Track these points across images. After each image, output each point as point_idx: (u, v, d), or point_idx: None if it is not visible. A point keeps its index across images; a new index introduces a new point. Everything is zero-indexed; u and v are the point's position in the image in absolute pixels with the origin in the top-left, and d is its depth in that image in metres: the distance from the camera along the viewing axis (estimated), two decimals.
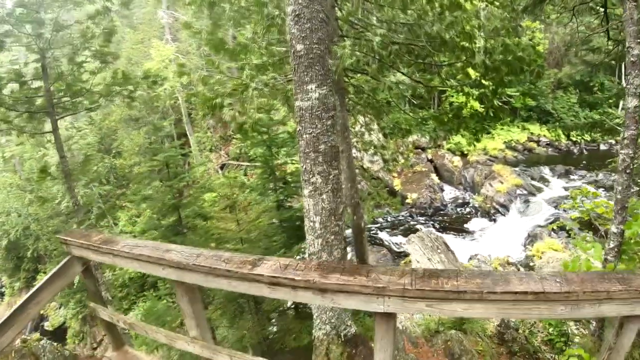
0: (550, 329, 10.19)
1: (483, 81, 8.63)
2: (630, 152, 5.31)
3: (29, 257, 19.93)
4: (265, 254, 7.52)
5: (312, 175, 5.33)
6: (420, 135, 22.80)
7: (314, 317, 6.32)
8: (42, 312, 24.22)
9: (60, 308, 20.51)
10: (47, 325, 21.79)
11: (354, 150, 11.00)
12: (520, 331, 11.30)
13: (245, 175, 24.12)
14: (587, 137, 26.86)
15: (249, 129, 7.89)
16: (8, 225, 20.37)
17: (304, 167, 5.37)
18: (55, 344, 8.77)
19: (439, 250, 16.92)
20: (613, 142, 26.79)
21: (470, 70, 8.04)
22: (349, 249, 12.46)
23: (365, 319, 8.12)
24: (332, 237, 5.58)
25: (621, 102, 28.55)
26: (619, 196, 5.58)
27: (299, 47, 5.28)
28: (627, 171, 5.40)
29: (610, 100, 28.31)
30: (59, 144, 12.37)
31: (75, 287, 18.97)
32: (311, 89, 5.24)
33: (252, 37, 9.57)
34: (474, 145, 23.27)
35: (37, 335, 8.96)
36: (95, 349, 19.60)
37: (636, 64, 5.00)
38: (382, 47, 8.06)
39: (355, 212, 9.43)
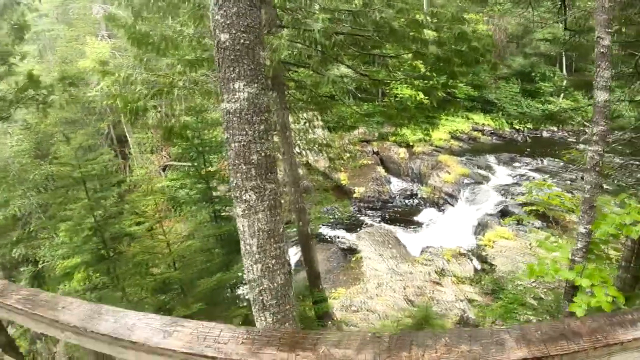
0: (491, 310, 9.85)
1: (432, 73, 7.99)
2: (600, 149, 4.75)
3: None
4: (201, 276, 6.59)
5: (244, 192, 4.41)
6: (365, 129, 22.22)
7: None
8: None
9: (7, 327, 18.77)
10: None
11: (296, 150, 10.15)
12: (480, 325, 10.95)
13: (189, 175, 22.71)
14: (530, 125, 27.25)
15: (177, 134, 6.88)
16: None
17: (235, 182, 4.44)
18: None
19: (390, 245, 16.41)
20: (554, 129, 27.32)
21: (419, 63, 7.38)
22: (296, 256, 11.65)
23: None
24: (273, 261, 4.70)
25: (562, 94, 29.25)
26: (587, 195, 5.03)
27: (224, 37, 4.28)
28: (596, 169, 4.84)
29: (551, 90, 28.90)
30: None
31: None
32: (239, 87, 4.28)
33: (181, 30, 8.50)
34: (429, 137, 23.01)
35: None
36: None
37: (606, 55, 4.40)
38: (324, 38, 7.25)
39: (301, 218, 8.56)
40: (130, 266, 6.28)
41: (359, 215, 19.90)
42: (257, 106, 4.45)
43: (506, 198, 19.27)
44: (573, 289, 6.33)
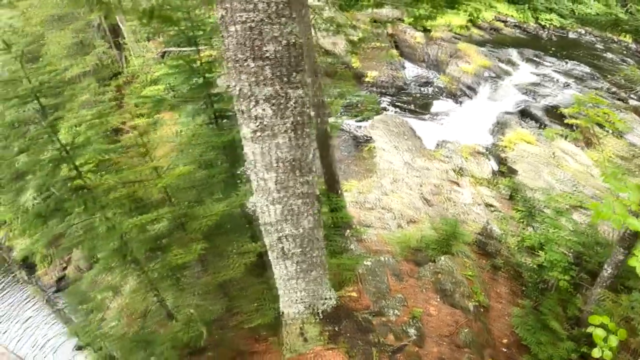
0: (529, 237, 8.77)
1: None
2: None
3: None
4: (200, 199, 5.15)
5: (253, 103, 2.75)
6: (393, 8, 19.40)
7: (280, 292, 4.20)
8: (7, 243, 22.36)
9: (22, 237, 18.50)
10: (15, 257, 20.06)
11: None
12: (502, 241, 9.87)
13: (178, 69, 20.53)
14: (556, 23, 24.17)
15: (158, 16, 5.00)
16: None
17: (238, 87, 2.76)
18: None
19: (405, 137, 14.86)
20: (582, 31, 24.32)
21: None
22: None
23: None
24: (299, 201, 3.18)
25: None
26: None
27: None
28: None
29: None
30: None
31: (29, 213, 16.51)
32: None
33: None
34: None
35: None
36: (65, 268, 18.32)
37: None
38: None
39: (319, 114, 6.82)
40: (113, 199, 4.80)
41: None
42: None
43: (528, 97, 17.39)
44: (633, 238, 4.97)
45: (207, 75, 5.31)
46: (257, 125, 2.79)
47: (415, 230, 9.64)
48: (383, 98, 18.20)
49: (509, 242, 9.69)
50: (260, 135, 2.82)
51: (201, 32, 5.28)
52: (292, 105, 2.80)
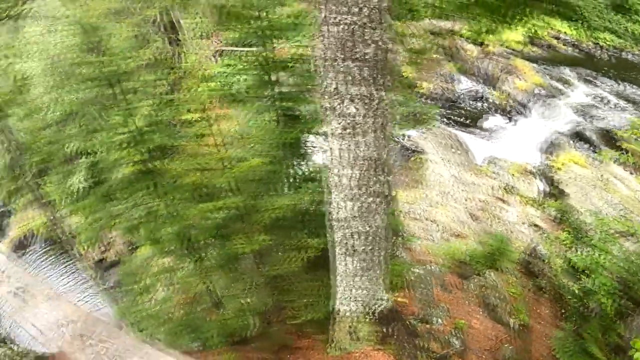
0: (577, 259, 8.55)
1: None
2: None
3: (30, 172, 18.05)
4: (262, 193, 5.29)
5: (345, 102, 2.86)
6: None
7: (338, 289, 4.28)
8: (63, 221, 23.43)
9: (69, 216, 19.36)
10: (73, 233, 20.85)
11: None
12: (547, 262, 9.68)
13: (245, 62, 21.00)
14: (613, 42, 23.31)
15: (235, 15, 5.18)
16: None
17: (330, 85, 2.89)
18: (8, 350, 6.79)
19: (454, 150, 14.74)
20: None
21: None
22: None
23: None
24: (376, 199, 3.28)
25: None
26: None
27: None
28: None
29: None
30: None
31: (79, 194, 17.31)
32: None
33: None
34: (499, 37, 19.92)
35: None
36: (104, 251, 18.87)
37: None
38: None
39: None
40: (177, 185, 5.00)
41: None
42: None
43: (581, 118, 16.91)
44: None
45: (274, 73, 5.45)
46: (344, 123, 2.91)
47: (460, 243, 9.58)
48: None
49: (554, 264, 9.51)
50: (345, 133, 2.94)
51: (276, 32, 5.41)
52: (377, 105, 2.91)
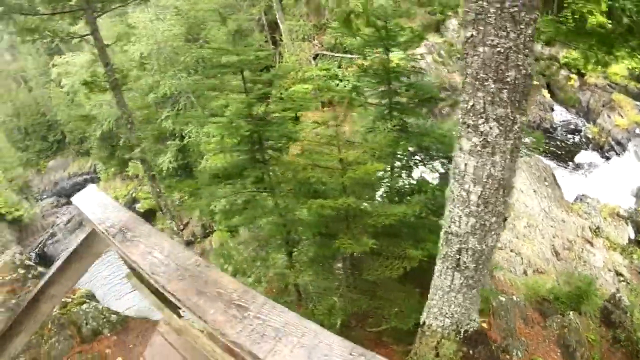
0: None
1: None
2: None
3: (122, 145, 19.90)
4: (371, 198, 5.47)
5: (483, 120, 2.99)
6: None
7: (432, 302, 4.35)
8: (134, 194, 25.21)
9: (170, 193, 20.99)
10: (139, 207, 22.48)
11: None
12: (629, 314, 9.08)
13: (340, 67, 21.50)
14: None
15: (356, 21, 5.40)
16: (101, 117, 20.28)
17: (472, 103, 3.02)
18: (100, 307, 7.47)
19: (545, 183, 14.17)
20: None
21: None
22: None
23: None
24: (493, 219, 3.36)
25: None
26: None
27: None
28: None
29: None
30: (101, 48, 10.29)
31: (164, 173, 18.73)
32: None
33: None
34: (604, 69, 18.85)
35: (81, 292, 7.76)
36: (182, 230, 19.84)
37: None
38: None
39: None
40: (289, 177, 5.31)
41: None
42: None
43: None
44: None
45: (394, 83, 5.63)
46: (480, 141, 3.02)
47: (543, 279, 9.23)
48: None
49: (636, 318, 8.95)
50: (480, 150, 3.05)
51: (392, 42, 5.58)
52: (516, 129, 2.99)
